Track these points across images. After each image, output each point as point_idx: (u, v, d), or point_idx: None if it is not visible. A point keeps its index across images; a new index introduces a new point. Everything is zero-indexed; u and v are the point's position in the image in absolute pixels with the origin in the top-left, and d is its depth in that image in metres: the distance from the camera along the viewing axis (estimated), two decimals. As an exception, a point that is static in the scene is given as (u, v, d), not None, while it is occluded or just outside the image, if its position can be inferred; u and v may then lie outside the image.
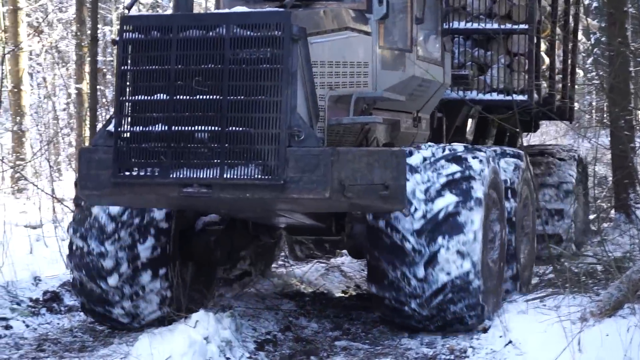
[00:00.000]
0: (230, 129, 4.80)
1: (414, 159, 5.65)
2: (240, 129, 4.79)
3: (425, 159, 5.69)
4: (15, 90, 17.34)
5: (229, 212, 6.09)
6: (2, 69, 13.62)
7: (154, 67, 5.01)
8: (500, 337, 5.65)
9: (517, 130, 8.02)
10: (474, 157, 5.75)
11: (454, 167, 5.64)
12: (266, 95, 4.76)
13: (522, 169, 7.06)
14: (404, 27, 6.61)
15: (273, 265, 8.46)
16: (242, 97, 4.81)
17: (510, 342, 5.53)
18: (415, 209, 5.44)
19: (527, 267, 7.58)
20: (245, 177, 4.73)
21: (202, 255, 6.37)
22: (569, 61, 10.18)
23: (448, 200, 5.48)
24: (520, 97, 8.15)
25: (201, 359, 4.90)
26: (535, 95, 8.43)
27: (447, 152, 5.82)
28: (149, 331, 5.29)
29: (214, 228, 6.44)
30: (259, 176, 4.70)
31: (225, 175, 4.78)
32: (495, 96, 8.25)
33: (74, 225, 6.07)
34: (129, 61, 5.13)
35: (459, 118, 8.55)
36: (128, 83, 5.14)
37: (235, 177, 4.77)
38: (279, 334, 6.07)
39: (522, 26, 8.28)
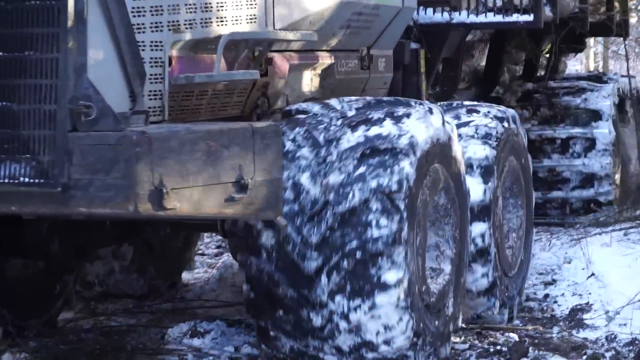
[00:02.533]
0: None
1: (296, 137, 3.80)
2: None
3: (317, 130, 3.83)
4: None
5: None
6: None
7: None
8: (583, 269, 5.79)
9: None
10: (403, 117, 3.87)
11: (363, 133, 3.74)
12: (35, 50, 2.92)
13: (500, 136, 5.04)
14: None
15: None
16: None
17: (592, 274, 5.67)
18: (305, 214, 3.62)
19: (517, 278, 5.40)
20: (7, 180, 2.91)
21: (32, 249, 4.60)
22: None
23: (358, 193, 3.59)
24: (525, 18, 6.20)
25: None
26: (548, 13, 6.48)
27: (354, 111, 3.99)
28: None
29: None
30: (27, 179, 2.87)
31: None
32: (491, 17, 6.28)
33: None
34: None
35: (445, 49, 6.60)
36: None
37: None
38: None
39: None
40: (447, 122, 4.31)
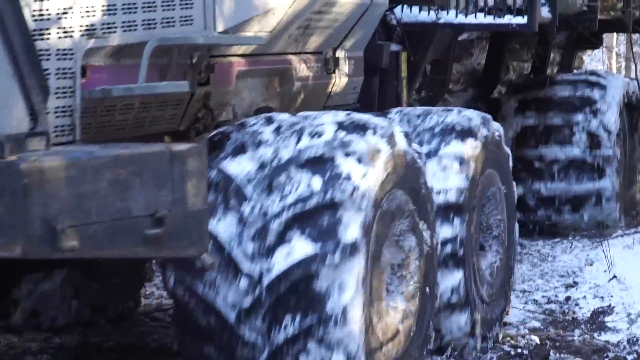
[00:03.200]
0: None
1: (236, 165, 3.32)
2: None
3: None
4: None
5: None
6: None
7: None
8: (605, 271, 5.84)
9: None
10: (349, 153, 3.27)
11: (306, 180, 3.17)
12: None
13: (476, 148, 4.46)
14: None
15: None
16: None
17: (614, 277, 5.71)
18: (237, 268, 3.13)
19: (497, 301, 4.85)
20: None
21: None
22: None
23: (298, 250, 3.10)
24: (518, 20, 5.66)
25: None
26: (547, 14, 5.98)
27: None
28: None
29: None
30: None
31: None
32: (481, 18, 5.72)
33: None
34: None
35: (433, 51, 6.11)
36: None
37: None
38: None
39: None
40: (412, 149, 3.85)
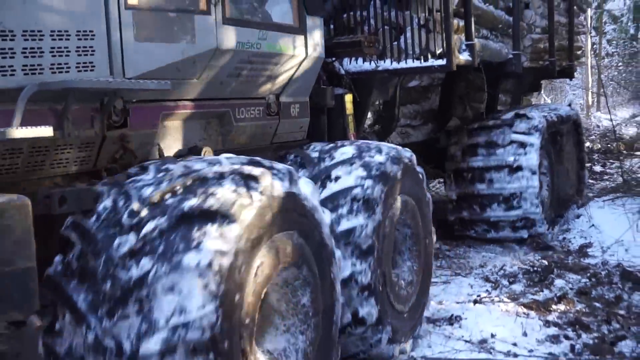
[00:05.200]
0: None
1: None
2: None
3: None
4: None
5: None
6: None
7: None
8: (587, 222, 8.95)
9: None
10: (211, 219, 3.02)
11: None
12: None
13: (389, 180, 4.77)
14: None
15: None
16: None
17: (593, 225, 8.81)
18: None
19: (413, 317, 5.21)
20: None
21: None
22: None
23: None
24: (438, 62, 6.43)
25: None
26: (466, 56, 6.83)
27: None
28: None
29: None
30: None
31: None
32: (410, 63, 6.48)
33: None
34: None
35: (381, 93, 6.97)
36: None
37: None
38: None
39: None
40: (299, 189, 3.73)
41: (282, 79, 5.24)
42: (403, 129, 7.83)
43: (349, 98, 6.15)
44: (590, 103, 30.22)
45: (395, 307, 4.90)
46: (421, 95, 8.10)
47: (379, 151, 4.91)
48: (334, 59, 6.32)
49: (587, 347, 5.10)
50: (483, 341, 5.29)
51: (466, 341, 5.28)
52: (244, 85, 4.90)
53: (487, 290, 6.62)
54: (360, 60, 6.54)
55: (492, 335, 5.36)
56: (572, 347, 5.11)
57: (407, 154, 5.18)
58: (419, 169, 5.38)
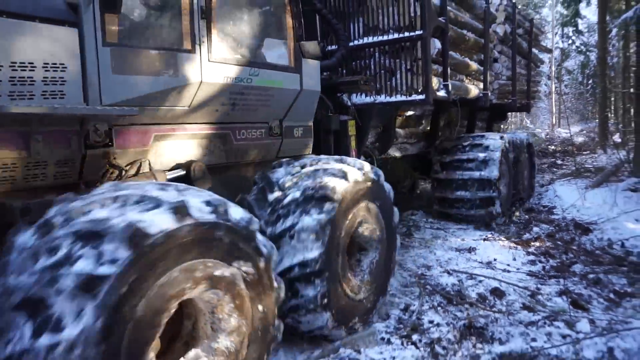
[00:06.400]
0: None
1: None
2: None
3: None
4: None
5: None
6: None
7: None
8: (552, 194, 13.56)
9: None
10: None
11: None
12: None
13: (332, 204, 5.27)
14: (179, 23, 4.80)
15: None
16: None
17: (556, 195, 13.20)
18: None
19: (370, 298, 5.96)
20: None
21: None
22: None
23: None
24: (419, 97, 8.16)
25: None
26: (442, 93, 8.78)
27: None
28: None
29: None
30: None
31: None
32: (399, 97, 8.30)
33: None
34: None
35: (378, 119, 8.82)
36: None
37: None
38: None
39: (417, 32, 8.07)
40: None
41: (282, 107, 5.98)
42: (402, 145, 10.13)
43: (351, 123, 7.49)
44: (554, 122, 50.98)
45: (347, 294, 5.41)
46: (416, 121, 10.72)
47: (333, 175, 5.48)
48: (341, 94, 7.92)
49: (553, 267, 7.81)
50: (489, 262, 8.07)
51: (479, 262, 8.07)
52: (243, 112, 5.48)
53: (491, 233, 9.88)
54: (363, 95, 8.38)
55: (494, 260, 8.20)
56: (544, 267, 7.83)
57: (375, 172, 5.98)
58: (386, 185, 6.14)
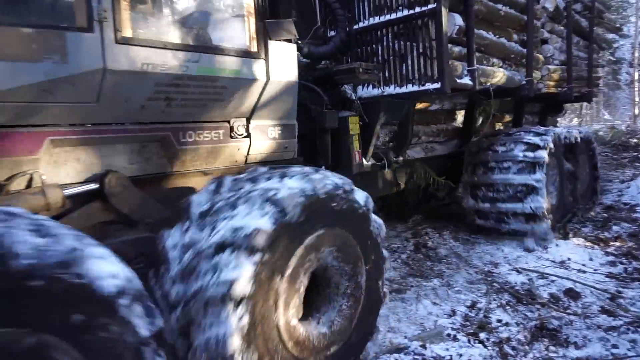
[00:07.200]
0: None
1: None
2: None
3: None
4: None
5: None
6: None
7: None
8: (635, 189, 11.78)
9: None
10: None
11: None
12: None
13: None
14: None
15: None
16: None
17: (639, 192, 11.60)
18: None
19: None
20: None
21: None
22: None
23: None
24: (434, 85, 6.75)
25: None
26: (466, 81, 7.16)
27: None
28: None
29: None
30: None
31: None
32: (410, 88, 6.93)
33: None
34: None
35: (383, 116, 6.95)
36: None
37: None
38: None
39: (430, 6, 6.64)
40: None
41: (244, 103, 4.79)
42: (428, 144, 8.50)
43: (353, 120, 6.37)
44: (637, 113, 41.52)
45: None
46: (446, 116, 9.04)
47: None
48: (342, 85, 6.67)
49: (636, 269, 7.05)
50: (562, 262, 7.46)
51: (550, 261, 7.50)
52: (185, 108, 4.37)
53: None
54: (370, 87, 7.11)
55: (568, 259, 7.56)
56: (626, 269, 7.07)
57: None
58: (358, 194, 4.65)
